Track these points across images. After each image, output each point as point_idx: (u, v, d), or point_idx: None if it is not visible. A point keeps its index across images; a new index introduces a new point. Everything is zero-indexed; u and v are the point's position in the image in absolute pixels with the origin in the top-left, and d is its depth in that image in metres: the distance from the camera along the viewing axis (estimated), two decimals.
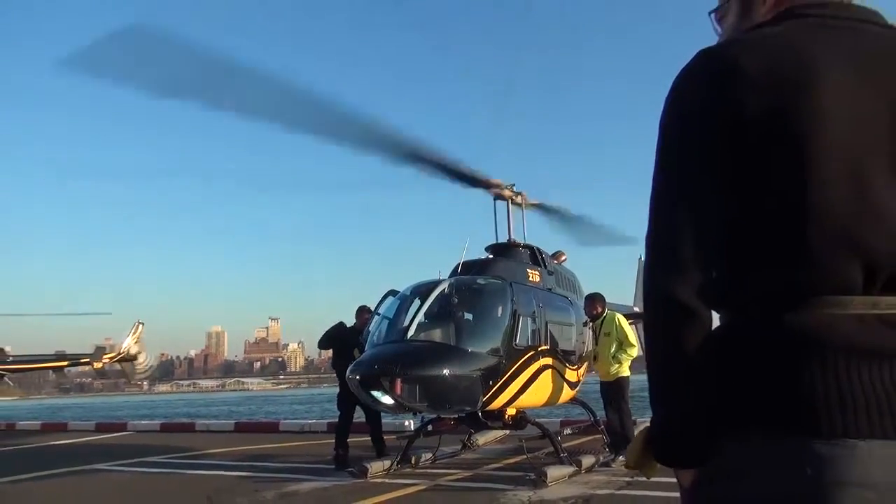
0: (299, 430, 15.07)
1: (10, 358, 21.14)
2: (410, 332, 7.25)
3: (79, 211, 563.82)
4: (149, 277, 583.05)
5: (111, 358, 23.52)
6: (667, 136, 1.16)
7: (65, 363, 22.84)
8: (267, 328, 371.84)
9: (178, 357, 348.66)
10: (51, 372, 24.58)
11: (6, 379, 21.68)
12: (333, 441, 9.13)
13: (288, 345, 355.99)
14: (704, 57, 1.15)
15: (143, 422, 19.68)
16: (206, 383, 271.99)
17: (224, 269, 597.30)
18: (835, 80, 1.07)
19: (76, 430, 18.37)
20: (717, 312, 1.18)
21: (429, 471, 8.35)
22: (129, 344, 24.13)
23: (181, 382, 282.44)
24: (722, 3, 1.37)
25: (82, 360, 23.09)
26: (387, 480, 7.76)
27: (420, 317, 7.39)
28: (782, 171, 1.07)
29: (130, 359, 24.04)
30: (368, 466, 7.98)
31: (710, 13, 1.40)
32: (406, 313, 7.63)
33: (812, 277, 1.05)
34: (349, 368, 7.26)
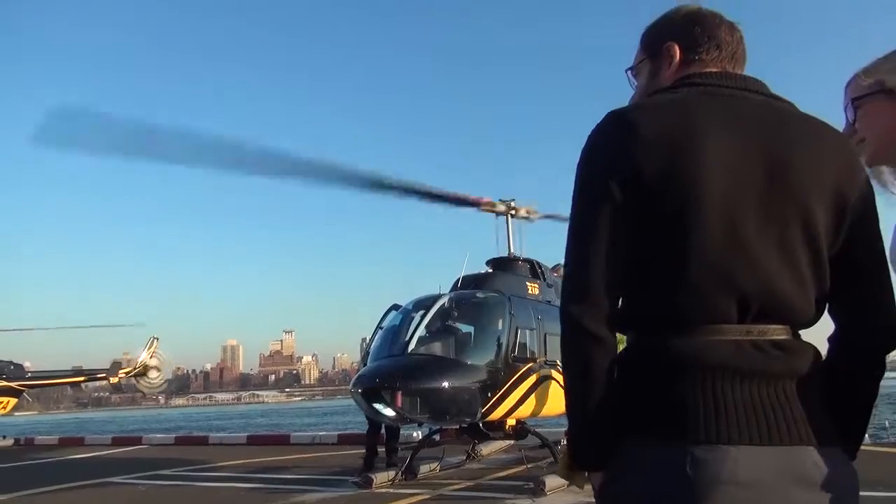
0: (310, 441, 15.29)
1: (29, 374, 21.57)
2: (411, 346, 7.51)
3: (90, 229, 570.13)
4: (164, 292, 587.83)
5: (127, 373, 23.87)
6: (581, 186, 1.34)
7: (82, 378, 23.22)
8: (281, 341, 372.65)
9: (193, 371, 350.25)
10: (69, 387, 24.97)
11: (25, 395, 22.08)
12: (344, 451, 9.34)
13: (302, 358, 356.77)
14: (612, 119, 1.33)
15: (158, 435, 19.98)
16: (221, 396, 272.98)
17: (238, 282, 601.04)
18: (715, 141, 1.26)
19: (93, 444, 18.66)
20: (624, 335, 1.37)
21: (432, 481, 8.54)
22: (144, 359, 24.47)
23: (197, 396, 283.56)
24: (636, 63, 1.57)
25: (98, 376, 23.43)
26: (391, 490, 7.96)
27: (420, 330, 7.65)
28: (670, 219, 1.25)
29: (146, 374, 24.38)
30: (373, 477, 8.19)
31: (626, 70, 1.60)
32: (407, 327, 7.88)
33: (695, 309, 1.24)
34: (352, 381, 7.53)
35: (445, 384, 7.27)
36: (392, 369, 7.31)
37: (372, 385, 7.20)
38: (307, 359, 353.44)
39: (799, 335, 1.32)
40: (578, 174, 1.35)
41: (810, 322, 1.33)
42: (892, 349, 1.35)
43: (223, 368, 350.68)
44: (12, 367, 20.96)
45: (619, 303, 1.35)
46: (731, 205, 1.25)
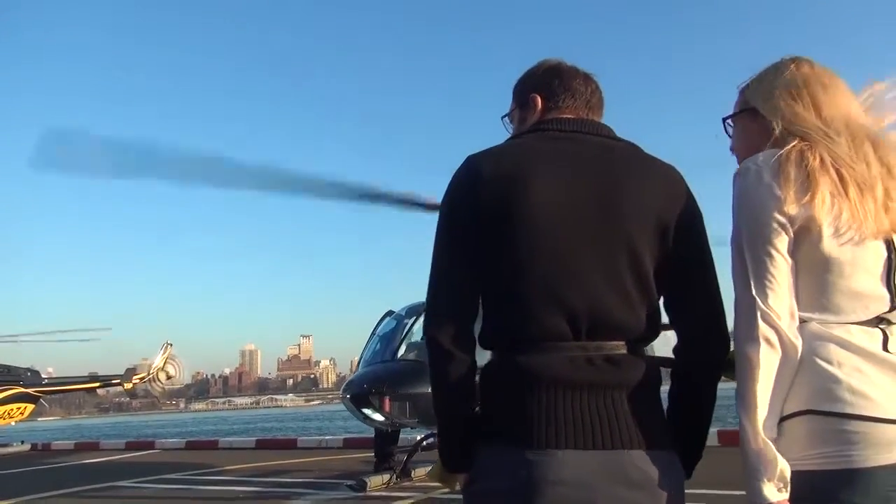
0: (316, 445, 15.50)
1: (46, 380, 22.03)
2: (401, 352, 7.71)
3: (111, 235, 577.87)
4: (183, 298, 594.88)
5: (141, 378, 24.23)
6: (440, 221, 1.54)
7: (97, 384, 23.64)
8: (299, 346, 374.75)
9: (212, 375, 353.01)
10: (86, 392, 25.40)
11: (42, 401, 22.54)
12: (348, 455, 9.50)
13: (320, 362, 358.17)
14: (464, 164, 1.54)
15: (170, 440, 20.30)
16: (240, 401, 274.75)
17: (255, 287, 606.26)
18: (545, 178, 1.44)
19: (107, 448, 19.01)
20: (488, 351, 1.56)
21: (426, 484, 8.67)
22: (158, 364, 24.82)
23: (216, 400, 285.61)
24: (509, 112, 1.76)
25: (113, 382, 23.86)
26: (384, 493, 8.12)
27: (411, 336, 7.83)
28: (508, 249, 1.43)
29: (159, 378, 24.75)
30: (368, 481, 8.34)
31: (502, 118, 1.78)
32: (398, 333, 8.08)
33: (533, 328, 1.41)
34: (342, 387, 7.71)
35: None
36: (380, 375, 7.49)
37: (360, 391, 7.38)
38: (325, 363, 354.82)
39: (638, 350, 1.47)
40: (440, 210, 1.55)
41: (646, 337, 1.48)
42: (724, 355, 1.50)
43: (242, 373, 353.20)
44: (29, 374, 21.40)
45: (481, 323, 1.53)
46: (559, 234, 1.42)
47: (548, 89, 1.64)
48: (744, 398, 1.39)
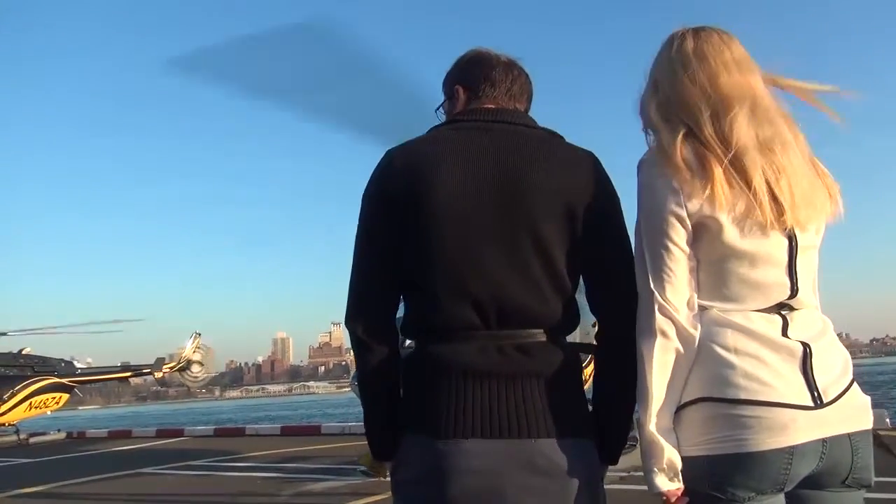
0: (339, 431, 15.70)
1: (79, 370, 22.65)
2: (409, 340, 7.72)
3: (146, 226, 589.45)
4: (216, 289, 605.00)
5: (171, 368, 24.75)
6: (359, 214, 1.55)
7: (128, 374, 24.25)
8: (330, 333, 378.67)
9: (246, 363, 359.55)
10: (129, 381, 26.06)
11: (80, 390, 23.21)
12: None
13: (350, 349, 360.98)
14: (382, 156, 1.54)
15: (198, 427, 20.75)
16: (273, 388, 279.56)
17: (286, 276, 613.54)
18: (450, 168, 1.44)
19: (139, 436, 19.50)
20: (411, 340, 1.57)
21: None
22: (187, 354, 25.33)
23: (250, 388, 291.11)
24: (441, 104, 1.75)
25: (144, 371, 24.45)
26: None
27: None
28: (415, 239, 1.44)
29: (189, 368, 25.25)
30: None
31: (435, 110, 1.77)
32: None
33: (441, 318, 1.42)
34: (351, 376, 7.78)
35: None
36: None
37: None
38: None
39: (554, 338, 1.46)
40: (361, 204, 1.55)
41: (561, 325, 1.47)
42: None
43: (274, 361, 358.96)
44: (63, 365, 22.03)
45: (403, 313, 1.54)
46: (463, 224, 1.42)
47: (469, 80, 1.64)
48: (639, 390, 1.40)
